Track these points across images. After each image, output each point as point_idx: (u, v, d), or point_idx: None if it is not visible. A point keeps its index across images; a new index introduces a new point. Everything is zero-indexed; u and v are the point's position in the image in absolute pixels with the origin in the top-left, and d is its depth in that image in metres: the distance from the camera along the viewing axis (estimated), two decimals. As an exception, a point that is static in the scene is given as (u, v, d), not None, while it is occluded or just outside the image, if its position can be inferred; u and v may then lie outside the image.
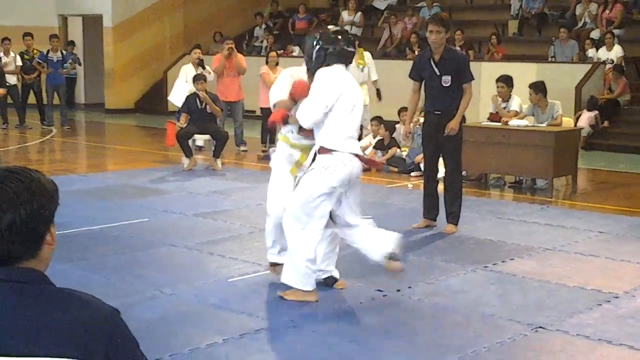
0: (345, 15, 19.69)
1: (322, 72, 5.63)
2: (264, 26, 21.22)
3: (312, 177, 5.55)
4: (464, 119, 7.89)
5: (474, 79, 7.91)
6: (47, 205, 1.93)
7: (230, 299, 5.79)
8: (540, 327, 5.28)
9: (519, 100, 11.15)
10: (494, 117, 11.13)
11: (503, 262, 6.88)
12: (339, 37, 5.71)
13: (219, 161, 11.81)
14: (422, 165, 11.41)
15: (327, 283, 5.99)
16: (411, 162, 11.64)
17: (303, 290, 5.64)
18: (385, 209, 9.02)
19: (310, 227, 5.56)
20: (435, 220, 8.13)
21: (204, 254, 7.02)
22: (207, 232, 7.77)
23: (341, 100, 5.57)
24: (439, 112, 7.85)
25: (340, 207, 5.67)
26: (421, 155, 11.48)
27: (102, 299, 1.96)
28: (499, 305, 5.76)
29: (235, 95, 13.41)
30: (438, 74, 7.76)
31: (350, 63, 5.81)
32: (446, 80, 7.74)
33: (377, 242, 5.70)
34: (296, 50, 19.24)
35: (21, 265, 1.91)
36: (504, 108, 11.07)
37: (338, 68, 5.68)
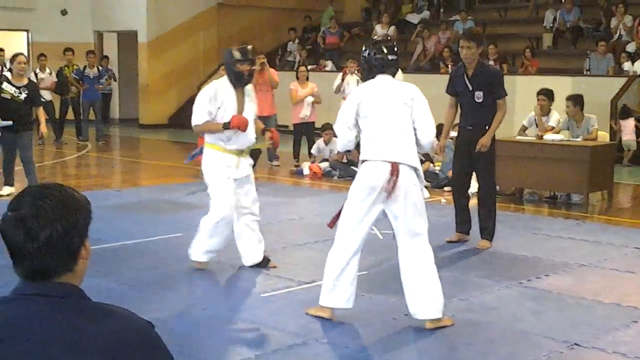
0: (379, 29, 19.69)
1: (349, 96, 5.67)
2: (297, 41, 21.29)
3: (349, 191, 5.50)
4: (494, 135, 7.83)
5: (507, 95, 7.84)
6: (82, 219, 1.98)
7: (262, 315, 5.78)
8: (576, 344, 5.21)
9: (558, 116, 11.05)
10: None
11: (538, 278, 6.82)
12: (381, 46, 5.67)
13: (251, 176, 11.83)
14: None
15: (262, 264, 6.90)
16: (444, 177, 11.58)
17: (320, 305, 5.60)
18: (419, 224, 8.96)
19: (339, 241, 5.48)
20: (468, 234, 8.08)
21: (237, 269, 7.03)
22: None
23: (361, 109, 5.46)
24: (471, 128, 7.82)
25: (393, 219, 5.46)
26: (454, 170, 11.46)
27: (136, 313, 1.98)
28: (534, 322, 5.69)
29: (267, 109, 13.41)
30: (471, 89, 7.74)
31: (395, 71, 5.73)
32: (478, 95, 7.71)
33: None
34: (329, 64, 19.28)
35: (58, 280, 1.95)
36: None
37: (379, 79, 5.58)
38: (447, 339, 5.36)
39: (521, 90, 14.76)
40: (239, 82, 6.68)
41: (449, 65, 17.19)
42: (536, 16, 19.52)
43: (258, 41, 21.13)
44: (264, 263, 6.96)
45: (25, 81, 10.46)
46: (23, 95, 10.23)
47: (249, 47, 6.84)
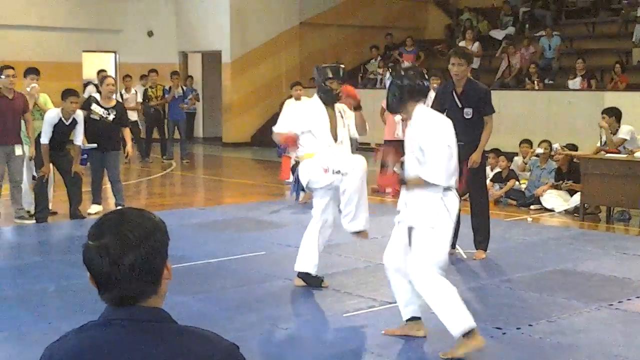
0: (463, 46, 19.52)
1: (421, 116, 5.34)
2: (378, 58, 21.26)
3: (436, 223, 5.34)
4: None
5: (494, 112, 7.98)
6: (163, 241, 1.99)
7: (345, 335, 5.74)
8: (671, 370, 5.01)
9: (630, 127, 10.65)
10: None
11: (629, 300, 6.60)
12: (412, 72, 5.47)
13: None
14: (541, 199, 11.13)
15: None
16: (531, 195, 11.36)
17: (464, 336, 5.06)
18: (505, 243, 8.80)
19: (440, 270, 5.27)
20: (454, 247, 7.95)
21: (320, 288, 6.99)
22: (322, 266, 7.71)
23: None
24: (461, 143, 7.84)
25: None
26: (541, 188, 11.21)
27: (219, 332, 1.99)
28: (625, 345, 5.51)
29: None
30: (460, 106, 7.87)
31: (426, 97, 5.52)
32: (468, 112, 7.86)
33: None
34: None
35: (144, 304, 1.97)
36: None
37: (424, 107, 5.44)
38: (534, 362, 5.22)
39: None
40: (328, 99, 6.78)
41: (535, 82, 16.91)
42: (625, 31, 19.02)
43: (340, 59, 21.19)
44: (317, 282, 6.95)
45: (114, 102, 10.68)
46: (111, 117, 10.45)
47: (342, 65, 6.95)
